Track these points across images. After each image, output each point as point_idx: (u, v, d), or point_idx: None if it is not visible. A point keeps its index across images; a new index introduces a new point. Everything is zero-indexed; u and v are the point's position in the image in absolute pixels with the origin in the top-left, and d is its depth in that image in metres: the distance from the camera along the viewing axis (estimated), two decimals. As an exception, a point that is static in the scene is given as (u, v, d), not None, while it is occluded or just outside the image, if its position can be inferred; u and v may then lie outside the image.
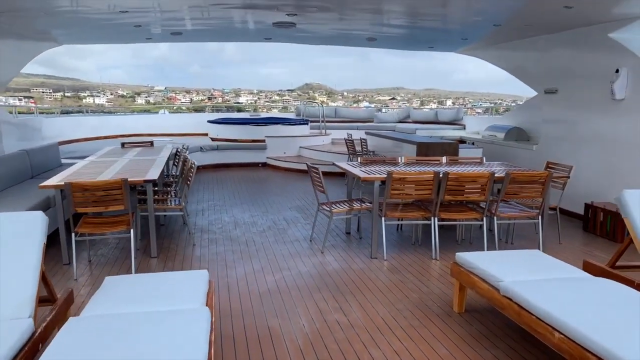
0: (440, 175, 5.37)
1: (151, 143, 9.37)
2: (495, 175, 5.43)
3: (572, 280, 3.45)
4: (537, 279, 3.46)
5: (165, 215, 7.08)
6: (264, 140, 13.13)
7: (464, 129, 13.54)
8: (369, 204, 5.89)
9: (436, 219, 5.53)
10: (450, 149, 8.41)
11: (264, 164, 13.02)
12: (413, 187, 5.40)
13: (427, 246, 5.96)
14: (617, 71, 6.71)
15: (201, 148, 12.40)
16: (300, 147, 13.24)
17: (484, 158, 6.97)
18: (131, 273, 4.99)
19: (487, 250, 5.63)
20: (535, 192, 5.56)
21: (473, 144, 10.51)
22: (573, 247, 6.16)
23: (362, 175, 5.55)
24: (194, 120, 15.21)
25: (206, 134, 14.48)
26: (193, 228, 6.77)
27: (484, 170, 5.98)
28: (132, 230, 5.08)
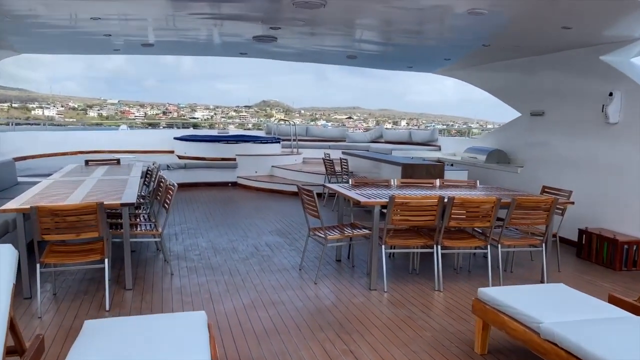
0: (445, 200, 5.04)
1: (117, 161, 8.71)
2: (501, 200, 5.14)
3: (619, 321, 3.13)
4: (580, 320, 3.12)
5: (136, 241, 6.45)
6: (234, 159, 12.59)
7: (440, 150, 13.42)
8: (365, 230, 5.49)
9: (439, 246, 5.18)
10: (436, 170, 8.15)
11: (235, 184, 12.45)
12: (416, 213, 5.03)
13: (425, 275, 5.59)
14: (610, 94, 6.62)
15: (168, 166, 11.74)
16: (272, 166, 12.76)
17: (478, 182, 6.71)
18: (105, 309, 4.38)
19: (492, 280, 5.31)
20: (540, 219, 5.29)
21: (452, 165, 10.32)
22: (573, 275, 5.93)
23: (360, 199, 5.14)
24: (158, 136, 14.51)
25: (172, 152, 13.80)
26: (168, 255, 6.17)
27: (487, 195, 5.69)
28: (106, 260, 4.48)
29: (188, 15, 6.50)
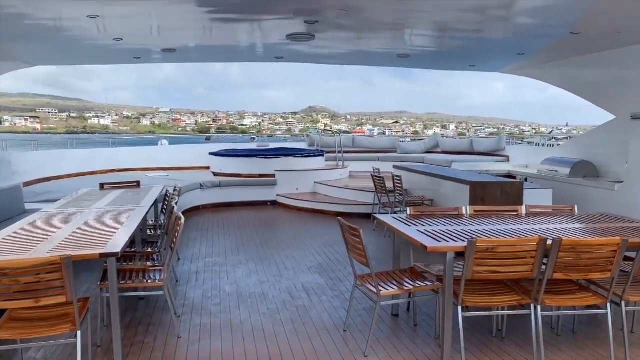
0: (549, 243, 3.56)
1: (137, 183, 7.63)
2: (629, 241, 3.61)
3: None
4: None
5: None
6: (273, 175, 11.39)
7: (508, 160, 11.74)
8: (432, 283, 4.07)
9: (539, 307, 3.69)
10: (513, 190, 6.62)
11: (274, 203, 11.24)
12: (507, 262, 3.58)
13: (515, 339, 4.11)
14: None
15: (201, 185, 10.66)
16: (315, 182, 11.48)
17: (576, 207, 5.15)
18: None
19: (614, 348, 3.76)
20: (685, 266, 3.72)
21: (526, 180, 8.71)
22: None
23: (425, 242, 3.73)
24: (194, 152, 13.51)
25: (208, 168, 12.77)
26: (181, 305, 4.95)
27: (596, 228, 4.16)
28: (78, 333, 3.28)
29: (207, 12, 5.35)
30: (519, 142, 13.53)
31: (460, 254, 3.67)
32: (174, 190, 6.87)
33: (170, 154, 13.78)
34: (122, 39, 6.56)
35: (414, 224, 4.39)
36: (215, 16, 5.61)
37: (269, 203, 11.23)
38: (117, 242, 3.76)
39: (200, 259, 6.77)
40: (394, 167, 9.49)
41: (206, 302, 5.05)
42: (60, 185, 9.69)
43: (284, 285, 5.60)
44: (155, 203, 6.96)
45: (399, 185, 7.74)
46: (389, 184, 8.43)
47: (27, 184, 9.53)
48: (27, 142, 17.76)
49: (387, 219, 4.64)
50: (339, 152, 12.79)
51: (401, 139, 15.20)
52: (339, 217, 4.28)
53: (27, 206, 7.50)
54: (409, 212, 4.85)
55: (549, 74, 8.53)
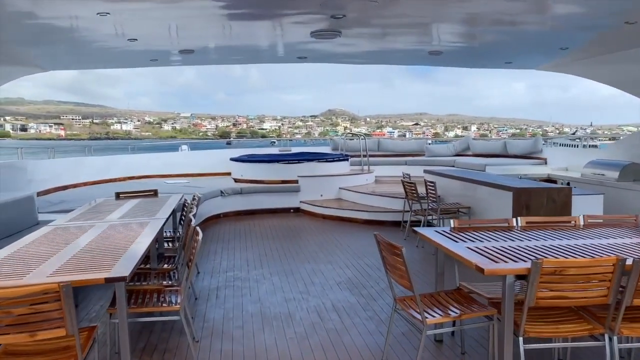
0: (628, 263, 3.01)
1: (155, 192, 7.24)
2: None
3: None
4: None
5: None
6: (296, 181, 10.93)
7: (545, 163, 11.08)
8: (481, 307, 3.54)
9: (614, 338, 3.14)
10: (561, 197, 6.03)
11: (297, 210, 10.78)
12: (579, 286, 3.04)
13: (583, 375, 3.55)
14: None
15: (222, 192, 10.26)
16: (340, 188, 10.99)
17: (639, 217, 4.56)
18: None
19: None
20: None
21: (568, 184, 8.08)
22: None
23: (480, 263, 3.20)
24: (215, 157, 13.12)
25: (229, 174, 12.38)
26: (200, 328, 4.50)
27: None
28: (81, 371, 2.85)
29: (225, 7, 4.91)
30: (556, 143, 12.76)
31: (520, 276, 3.15)
32: (193, 199, 6.46)
33: (190, 160, 13.45)
34: (136, 40, 6.18)
35: (461, 239, 3.87)
36: (235, 12, 5.19)
37: (292, 210, 10.78)
38: (127, 262, 3.32)
39: (221, 272, 6.33)
40: (425, 171, 8.94)
41: (227, 325, 4.59)
42: (76, 194, 9.37)
43: (311, 303, 5.11)
44: (174, 213, 6.58)
45: (433, 192, 7.20)
46: (421, 190, 7.90)
47: (43, 193, 9.25)
48: (44, 149, 17.64)
49: (430, 233, 4.12)
50: (364, 156, 12.27)
51: (429, 142, 14.60)
52: (376, 233, 3.78)
53: (41, 217, 7.19)
54: (452, 225, 4.31)
55: (595, 70, 7.90)
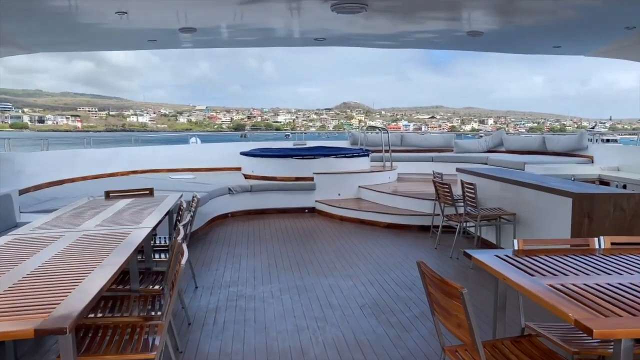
0: None
1: (150, 191, 6.33)
2: None
3: None
4: None
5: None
6: (311, 178, 9.97)
7: (592, 162, 9.96)
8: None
9: None
10: (631, 204, 4.99)
11: (312, 210, 9.82)
12: None
13: None
14: None
15: (230, 190, 9.34)
16: (359, 186, 10.00)
17: None
18: None
19: None
20: None
21: (625, 187, 7.01)
22: None
23: (584, 319, 2.20)
24: (226, 151, 12.17)
25: (239, 169, 11.46)
26: (189, 369, 3.58)
27: None
28: None
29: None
30: (605, 139, 11.52)
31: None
32: (192, 200, 5.53)
33: (200, 154, 12.53)
34: (126, 13, 5.25)
35: (532, 268, 2.86)
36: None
37: (306, 210, 9.83)
38: (78, 301, 2.38)
39: (223, 287, 5.39)
40: (458, 170, 7.91)
41: (224, 364, 3.65)
42: (70, 190, 8.51)
43: (329, 335, 4.15)
44: (170, 215, 5.68)
45: (472, 195, 6.18)
46: (455, 191, 6.89)
47: (34, 189, 8.42)
48: (60, 140, 16.90)
49: (490, 260, 3.11)
50: (386, 151, 11.25)
51: (458, 136, 13.47)
52: (420, 262, 2.79)
53: (23, 217, 6.37)
54: (516, 246, 3.31)
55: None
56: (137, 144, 12.60)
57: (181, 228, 3.84)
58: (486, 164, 10.81)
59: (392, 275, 5.77)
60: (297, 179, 10.03)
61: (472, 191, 6.14)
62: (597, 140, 10.71)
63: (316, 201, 9.78)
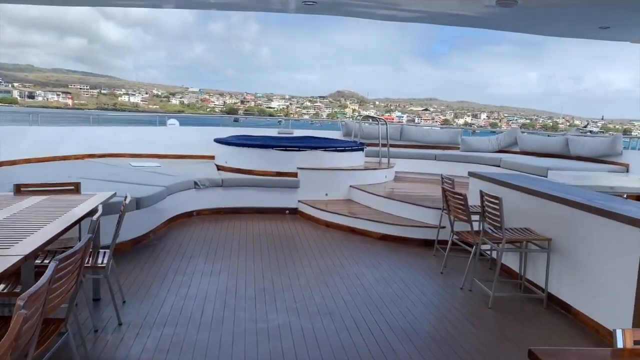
0: None
1: (76, 187, 4.83)
2: None
3: None
4: None
5: None
6: (295, 174, 8.48)
7: (627, 170, 8.53)
8: None
9: None
10: None
11: (294, 212, 8.35)
12: None
13: None
14: None
15: (196, 183, 7.84)
16: (350, 186, 8.54)
17: None
18: None
19: None
20: None
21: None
22: None
23: None
24: (204, 137, 10.52)
25: (213, 157, 9.95)
26: None
27: None
28: None
29: None
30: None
31: None
32: (125, 202, 4.06)
33: (173, 139, 10.99)
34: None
35: None
36: None
37: (287, 212, 8.35)
38: None
39: (156, 327, 3.92)
40: (470, 174, 6.46)
41: None
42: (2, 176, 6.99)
43: None
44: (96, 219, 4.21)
45: (495, 213, 4.70)
46: (475, 202, 5.45)
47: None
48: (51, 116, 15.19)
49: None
50: (384, 145, 9.77)
51: (465, 133, 11.95)
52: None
53: None
54: (620, 340, 1.85)
55: None
56: (96, 124, 11.02)
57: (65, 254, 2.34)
58: (499, 166, 9.37)
59: (387, 315, 4.32)
60: (278, 173, 8.54)
61: (496, 207, 4.68)
62: (634, 146, 9.20)
63: (299, 201, 8.31)
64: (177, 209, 7.42)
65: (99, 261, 4.00)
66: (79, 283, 3.59)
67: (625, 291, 3.73)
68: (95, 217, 3.50)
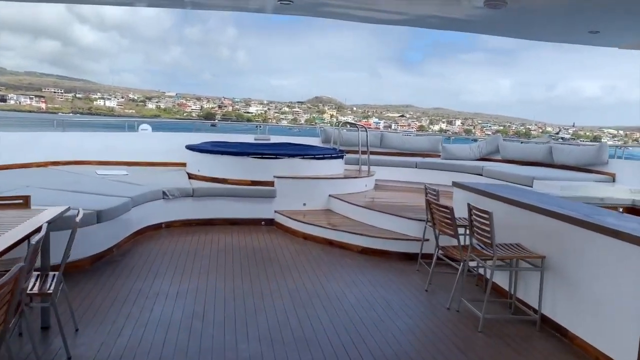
0: None
1: (25, 200, 4.35)
2: None
3: None
4: None
5: None
6: (272, 183, 8.08)
7: (613, 180, 8.33)
8: None
9: None
10: None
11: (270, 223, 7.94)
12: None
13: None
14: None
15: (165, 193, 7.38)
16: (329, 195, 8.17)
17: None
18: None
19: None
20: None
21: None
22: None
23: None
24: (177, 142, 9.98)
25: (184, 164, 9.47)
26: None
27: None
28: None
29: None
30: (633, 153, 9.79)
31: None
32: (76, 218, 3.61)
33: (144, 145, 10.48)
34: None
35: None
36: None
37: (263, 222, 7.93)
38: None
39: (111, 362, 3.46)
40: (455, 185, 6.15)
41: None
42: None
43: None
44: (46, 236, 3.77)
45: (485, 229, 4.37)
46: (463, 215, 5.11)
47: None
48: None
49: None
50: (364, 152, 9.43)
51: (445, 140, 11.69)
52: None
53: None
54: None
55: None
56: (61, 129, 10.43)
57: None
58: (481, 174, 9.10)
59: (371, 345, 3.93)
60: (254, 182, 8.12)
61: (486, 223, 4.34)
62: (620, 155, 9.00)
63: (276, 212, 7.89)
64: (144, 221, 6.95)
65: (46, 286, 3.55)
66: (20, 313, 3.14)
67: (629, 316, 3.42)
68: (35, 240, 3.04)
